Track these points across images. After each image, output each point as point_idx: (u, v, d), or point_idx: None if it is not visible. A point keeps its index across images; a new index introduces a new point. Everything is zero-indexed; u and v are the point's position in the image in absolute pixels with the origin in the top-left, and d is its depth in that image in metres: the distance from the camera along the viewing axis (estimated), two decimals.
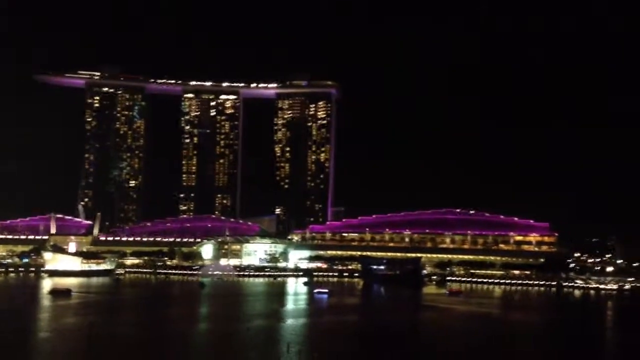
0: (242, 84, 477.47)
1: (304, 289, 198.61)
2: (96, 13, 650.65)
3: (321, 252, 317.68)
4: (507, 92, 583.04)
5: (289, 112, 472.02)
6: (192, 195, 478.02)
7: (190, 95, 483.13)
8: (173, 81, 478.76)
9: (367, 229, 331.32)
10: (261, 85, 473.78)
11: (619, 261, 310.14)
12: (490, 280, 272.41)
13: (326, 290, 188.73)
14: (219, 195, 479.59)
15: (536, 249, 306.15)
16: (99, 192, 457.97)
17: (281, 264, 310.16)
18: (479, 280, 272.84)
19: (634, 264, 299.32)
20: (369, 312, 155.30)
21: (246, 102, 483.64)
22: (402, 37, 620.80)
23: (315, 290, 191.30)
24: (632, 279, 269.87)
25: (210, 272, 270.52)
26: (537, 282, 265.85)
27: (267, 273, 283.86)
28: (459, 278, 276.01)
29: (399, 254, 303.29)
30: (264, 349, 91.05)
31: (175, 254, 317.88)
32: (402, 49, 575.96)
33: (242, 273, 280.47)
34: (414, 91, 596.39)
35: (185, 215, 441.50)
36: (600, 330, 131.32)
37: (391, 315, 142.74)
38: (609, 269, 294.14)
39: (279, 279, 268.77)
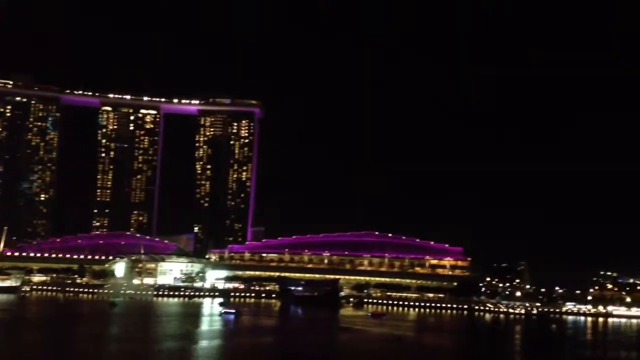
0: (163, 99, 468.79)
1: (219, 310, 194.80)
2: (12, 20, 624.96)
3: (239, 273, 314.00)
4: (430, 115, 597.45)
5: (211, 129, 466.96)
6: (107, 211, 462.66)
7: (108, 108, 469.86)
8: (90, 93, 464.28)
9: (287, 250, 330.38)
10: (183, 101, 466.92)
11: (527, 286, 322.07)
12: (405, 303, 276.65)
13: (233, 311, 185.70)
14: (135, 212, 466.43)
15: (450, 272, 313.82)
16: (6, 205, 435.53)
17: (198, 284, 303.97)
18: (395, 302, 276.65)
19: (542, 289, 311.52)
20: (285, 333, 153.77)
21: (167, 118, 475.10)
22: (328, 57, 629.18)
23: (223, 311, 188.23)
24: (539, 304, 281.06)
25: (122, 291, 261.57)
26: (450, 306, 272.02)
27: (183, 293, 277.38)
28: (376, 300, 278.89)
29: (317, 275, 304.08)
30: None
31: (86, 271, 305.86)
32: (326, 70, 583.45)
33: (156, 293, 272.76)
34: (337, 112, 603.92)
35: (98, 232, 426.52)
36: (507, 353, 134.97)
37: (307, 337, 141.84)
38: (518, 293, 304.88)
39: (194, 299, 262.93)
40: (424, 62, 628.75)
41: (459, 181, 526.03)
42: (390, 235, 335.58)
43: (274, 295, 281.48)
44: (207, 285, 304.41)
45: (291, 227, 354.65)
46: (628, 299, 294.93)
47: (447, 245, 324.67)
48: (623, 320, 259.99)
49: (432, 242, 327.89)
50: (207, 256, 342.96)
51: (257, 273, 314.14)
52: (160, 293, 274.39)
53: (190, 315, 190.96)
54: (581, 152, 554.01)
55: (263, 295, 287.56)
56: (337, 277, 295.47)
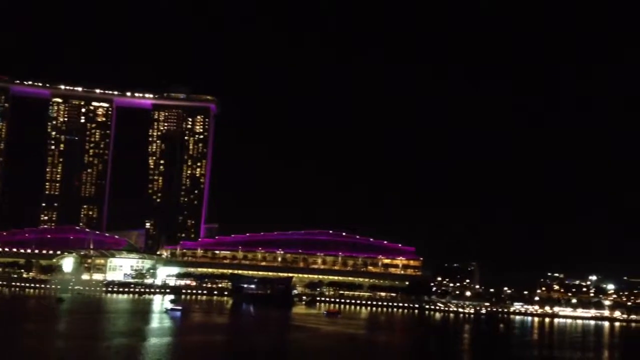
0: (115, 92, 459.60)
1: (166, 307, 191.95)
2: None
3: (191, 270, 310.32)
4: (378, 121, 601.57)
5: (165, 124, 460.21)
6: (56, 204, 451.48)
7: (59, 100, 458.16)
8: (41, 84, 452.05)
9: (240, 247, 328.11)
10: (136, 94, 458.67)
11: (477, 286, 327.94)
12: (358, 302, 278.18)
13: (179, 308, 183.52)
14: (84, 206, 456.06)
15: (402, 272, 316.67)
16: None
17: (148, 281, 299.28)
18: (348, 301, 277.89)
19: (491, 290, 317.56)
20: (236, 331, 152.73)
21: (120, 111, 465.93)
22: (285, 55, 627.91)
23: (169, 307, 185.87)
24: (488, 303, 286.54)
25: (70, 287, 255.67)
26: (402, 304, 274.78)
27: (133, 290, 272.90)
28: (329, 299, 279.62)
29: (270, 273, 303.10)
30: None
31: (33, 266, 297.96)
32: (284, 68, 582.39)
33: (105, 289, 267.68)
34: (294, 110, 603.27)
35: (46, 226, 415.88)
36: (456, 352, 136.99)
37: (258, 335, 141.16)
38: (468, 293, 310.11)
39: (145, 296, 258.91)
40: (376, 61, 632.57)
41: (413, 182, 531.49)
42: (344, 234, 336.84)
43: (226, 293, 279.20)
44: (158, 282, 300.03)
45: (245, 225, 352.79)
46: (574, 300, 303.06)
47: (400, 245, 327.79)
48: (569, 320, 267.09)
49: (385, 242, 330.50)
50: (158, 252, 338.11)
51: (210, 270, 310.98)
52: (110, 289, 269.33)
53: (140, 312, 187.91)
54: (529, 154, 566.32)
55: (215, 292, 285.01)
56: (291, 275, 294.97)
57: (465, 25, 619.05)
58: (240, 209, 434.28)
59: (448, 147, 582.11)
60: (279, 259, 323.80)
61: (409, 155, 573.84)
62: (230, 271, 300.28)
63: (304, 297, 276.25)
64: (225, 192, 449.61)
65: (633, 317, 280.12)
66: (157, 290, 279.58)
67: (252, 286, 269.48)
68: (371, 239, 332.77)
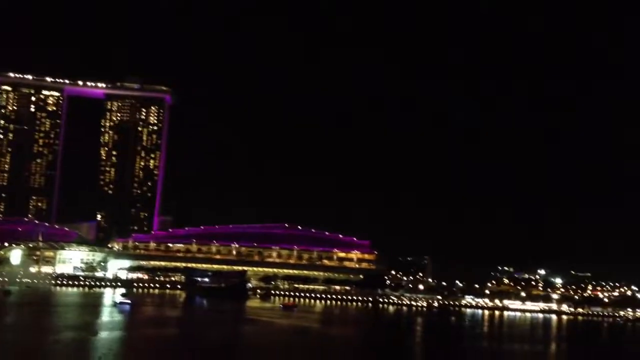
0: (67, 81, 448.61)
1: (114, 300, 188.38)
2: None
3: (144, 263, 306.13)
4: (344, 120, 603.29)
5: (118, 114, 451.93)
6: (4, 195, 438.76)
7: (8, 88, 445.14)
8: None
9: (194, 240, 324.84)
10: (89, 84, 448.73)
11: (430, 280, 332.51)
12: (312, 295, 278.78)
13: (129, 301, 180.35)
14: (33, 197, 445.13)
15: (357, 265, 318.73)
16: None
17: (99, 274, 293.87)
18: (302, 294, 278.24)
19: (443, 283, 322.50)
20: (189, 325, 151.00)
21: (72, 101, 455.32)
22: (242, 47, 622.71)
23: (118, 301, 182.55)
24: (440, 297, 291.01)
25: (18, 279, 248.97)
26: (356, 298, 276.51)
27: (83, 283, 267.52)
28: (284, 292, 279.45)
29: (225, 267, 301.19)
30: None
31: None
32: (240, 59, 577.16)
33: (55, 282, 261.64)
34: (251, 103, 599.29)
35: None
36: (408, 344, 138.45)
37: (211, 328, 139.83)
38: (421, 286, 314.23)
39: (95, 289, 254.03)
40: (335, 54, 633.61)
41: (369, 178, 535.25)
42: (299, 227, 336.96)
43: (179, 287, 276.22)
44: (109, 275, 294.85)
45: (199, 218, 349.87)
46: (523, 294, 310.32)
47: (355, 239, 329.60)
48: (518, 313, 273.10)
49: (340, 235, 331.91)
50: (110, 245, 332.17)
51: (163, 263, 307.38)
52: (59, 282, 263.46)
53: (90, 305, 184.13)
54: (480, 155, 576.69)
55: (168, 286, 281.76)
56: (245, 268, 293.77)
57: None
58: (194, 202, 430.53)
59: (419, 150, 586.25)
60: (234, 252, 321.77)
61: (374, 151, 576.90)
62: (183, 264, 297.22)
63: (259, 291, 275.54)
64: (179, 184, 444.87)
65: (579, 310, 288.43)
66: (108, 283, 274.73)
67: (206, 279, 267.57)
68: (326, 233, 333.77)
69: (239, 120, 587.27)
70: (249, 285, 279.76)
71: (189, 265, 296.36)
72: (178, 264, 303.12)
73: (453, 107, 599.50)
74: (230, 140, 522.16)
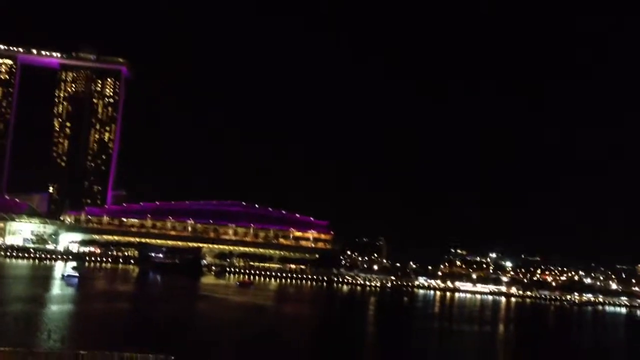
0: (20, 49, 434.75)
1: (63, 273, 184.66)
2: None
3: (96, 236, 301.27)
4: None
5: (73, 85, 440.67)
6: None
7: None
8: None
9: (149, 216, 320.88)
10: (43, 53, 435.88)
11: (384, 260, 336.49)
12: (268, 273, 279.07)
13: (77, 274, 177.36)
14: None
15: (313, 245, 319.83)
16: None
17: (50, 246, 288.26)
18: (258, 272, 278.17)
19: (397, 264, 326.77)
20: (141, 300, 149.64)
21: (25, 70, 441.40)
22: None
23: (66, 274, 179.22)
24: (394, 277, 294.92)
25: None
26: (311, 277, 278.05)
27: (33, 255, 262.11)
28: (239, 270, 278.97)
29: (180, 243, 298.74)
30: (21, 337, 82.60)
31: None
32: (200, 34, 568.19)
33: (3, 253, 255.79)
34: (212, 78, 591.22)
35: None
36: (361, 323, 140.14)
37: (163, 304, 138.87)
38: (375, 267, 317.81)
39: (46, 262, 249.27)
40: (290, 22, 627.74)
41: (327, 160, 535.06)
42: (256, 206, 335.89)
43: (132, 262, 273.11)
44: (61, 248, 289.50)
45: (155, 193, 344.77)
46: (474, 276, 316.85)
47: (312, 219, 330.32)
48: (468, 295, 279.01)
49: (297, 215, 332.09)
50: (62, 218, 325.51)
51: (116, 238, 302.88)
52: (9, 254, 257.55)
53: (40, 278, 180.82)
54: (435, 139, 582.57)
55: (121, 261, 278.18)
56: (201, 245, 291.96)
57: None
58: (150, 177, 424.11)
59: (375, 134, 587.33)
60: (189, 228, 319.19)
61: (332, 133, 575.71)
62: (137, 239, 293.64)
63: (214, 268, 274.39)
64: (135, 159, 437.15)
65: (528, 293, 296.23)
66: (59, 256, 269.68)
67: (160, 255, 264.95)
68: (283, 212, 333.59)
69: (199, 96, 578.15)
70: (204, 262, 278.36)
71: (143, 240, 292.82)
72: (132, 239, 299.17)
73: (406, 91, 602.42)
74: (188, 116, 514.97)
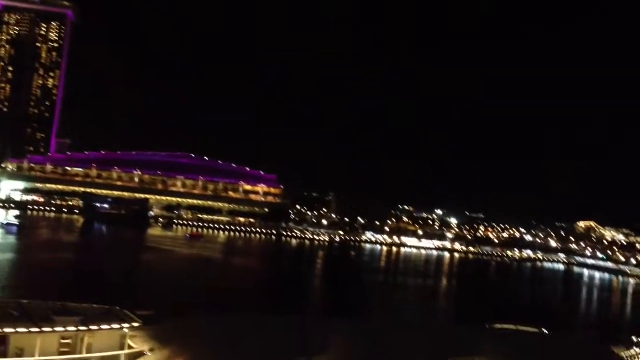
0: None
1: (7, 222, 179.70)
2: None
3: (39, 185, 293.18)
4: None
5: (17, 28, 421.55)
6: None
7: None
8: None
9: (94, 165, 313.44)
10: None
11: (333, 215, 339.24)
12: (216, 226, 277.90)
13: (17, 222, 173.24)
14: None
15: (263, 199, 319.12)
16: None
17: None
18: (206, 225, 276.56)
19: (346, 219, 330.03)
20: (86, 250, 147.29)
21: None
22: None
23: (5, 222, 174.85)
24: (342, 232, 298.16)
25: None
26: (260, 231, 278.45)
27: None
28: (187, 222, 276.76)
29: (127, 194, 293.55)
30: None
31: None
32: None
33: None
34: (159, 24, 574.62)
35: None
36: (308, 276, 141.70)
37: (108, 254, 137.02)
38: (324, 222, 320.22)
39: None
40: None
41: (279, 114, 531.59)
42: (206, 158, 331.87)
43: (77, 212, 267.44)
44: (2, 196, 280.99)
45: (101, 143, 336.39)
46: (420, 232, 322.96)
47: (262, 173, 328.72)
48: (414, 250, 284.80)
49: (247, 168, 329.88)
50: (3, 165, 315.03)
51: (60, 187, 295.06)
52: None
53: None
54: (387, 92, 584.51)
55: (65, 210, 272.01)
56: (148, 196, 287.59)
57: None
58: (96, 126, 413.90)
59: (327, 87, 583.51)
60: (136, 179, 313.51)
61: (285, 88, 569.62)
62: (82, 189, 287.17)
63: (161, 220, 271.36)
64: (80, 106, 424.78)
65: (471, 249, 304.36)
66: (0, 204, 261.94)
67: (106, 206, 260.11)
68: (233, 165, 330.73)
69: (148, 43, 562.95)
70: (151, 213, 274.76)
71: (88, 190, 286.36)
72: (76, 189, 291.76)
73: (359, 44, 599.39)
74: (137, 64, 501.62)
